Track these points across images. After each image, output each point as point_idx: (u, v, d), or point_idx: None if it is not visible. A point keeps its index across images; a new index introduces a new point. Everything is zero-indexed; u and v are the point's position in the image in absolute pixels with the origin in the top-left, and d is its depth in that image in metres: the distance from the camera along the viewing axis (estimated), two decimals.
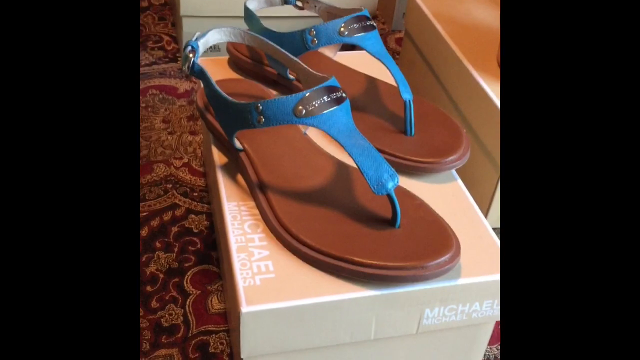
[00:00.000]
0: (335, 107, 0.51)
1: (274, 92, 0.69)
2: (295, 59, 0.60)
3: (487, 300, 0.52)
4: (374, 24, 0.64)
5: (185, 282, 0.67)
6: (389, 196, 0.51)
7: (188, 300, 0.65)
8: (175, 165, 0.82)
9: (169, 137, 0.87)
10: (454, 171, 0.61)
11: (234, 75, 0.72)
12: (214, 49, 1.00)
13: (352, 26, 0.62)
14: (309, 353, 0.52)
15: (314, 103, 0.51)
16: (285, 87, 0.69)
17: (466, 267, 0.51)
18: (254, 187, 0.56)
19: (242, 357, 0.50)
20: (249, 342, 0.49)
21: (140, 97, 0.94)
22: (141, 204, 0.76)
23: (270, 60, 0.67)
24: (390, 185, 0.50)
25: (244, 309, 0.47)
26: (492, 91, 0.75)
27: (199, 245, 0.71)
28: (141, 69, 1.01)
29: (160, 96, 0.95)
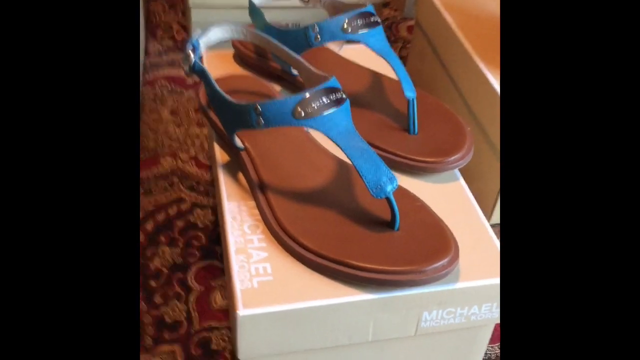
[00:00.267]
0: (334, 109, 0.51)
1: (278, 89, 0.69)
2: (297, 56, 0.60)
3: (487, 303, 0.52)
4: (379, 20, 0.63)
5: (189, 278, 0.67)
6: (388, 199, 0.50)
7: (191, 296, 0.66)
8: (181, 158, 0.82)
9: (176, 130, 0.87)
10: (456, 170, 0.61)
11: (238, 69, 0.72)
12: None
13: (355, 23, 0.62)
14: (306, 354, 0.52)
15: (312, 105, 0.51)
16: (289, 82, 0.69)
17: (465, 270, 0.51)
18: (255, 187, 0.56)
19: (239, 358, 0.50)
20: (246, 344, 0.49)
21: (149, 88, 0.94)
22: (147, 198, 0.76)
23: (274, 56, 0.66)
24: (389, 188, 0.50)
25: (241, 312, 0.47)
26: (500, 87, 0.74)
27: (203, 240, 0.72)
28: (150, 59, 1.01)
29: (169, 87, 0.95)
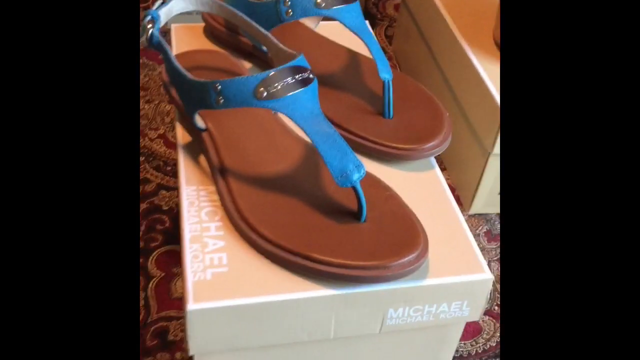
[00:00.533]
0: (299, 90, 0.47)
1: (247, 66, 0.65)
2: (264, 32, 0.56)
3: (456, 301, 0.49)
4: None
5: (149, 263, 0.64)
6: (354, 189, 0.47)
7: (151, 283, 0.62)
8: (150, 136, 0.79)
9: (145, 106, 0.83)
10: (432, 158, 0.57)
11: (208, 44, 0.68)
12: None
13: None
14: (263, 351, 0.49)
15: (276, 85, 0.47)
16: (260, 59, 0.65)
17: (435, 266, 0.48)
18: (215, 170, 0.52)
19: (190, 354, 0.47)
20: (197, 339, 0.46)
21: None
22: None
23: (243, 30, 0.62)
24: (356, 177, 0.47)
25: (190, 306, 0.44)
26: (485, 71, 0.70)
27: (167, 224, 0.68)
28: None
29: (141, 61, 0.91)
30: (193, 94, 0.50)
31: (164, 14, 0.55)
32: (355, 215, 0.48)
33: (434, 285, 0.47)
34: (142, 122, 0.80)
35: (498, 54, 0.72)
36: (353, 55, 0.66)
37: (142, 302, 0.61)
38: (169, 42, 0.68)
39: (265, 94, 0.47)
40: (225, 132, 0.55)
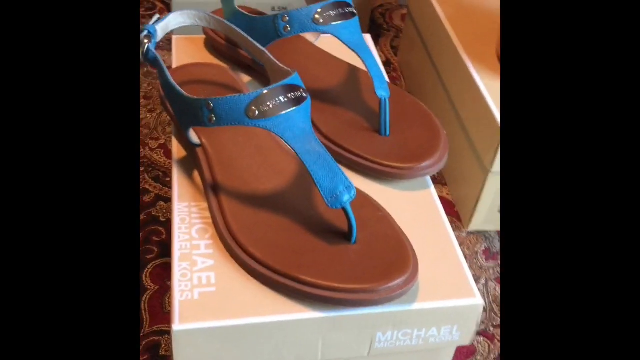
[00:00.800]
0: (292, 109, 0.47)
1: (247, 80, 0.65)
2: (261, 48, 0.56)
3: (446, 326, 0.48)
4: (354, 11, 0.59)
5: (144, 276, 0.64)
6: (345, 210, 0.47)
7: (144, 296, 0.62)
8: (150, 146, 0.79)
9: (148, 115, 0.83)
10: (427, 177, 0.57)
11: (209, 57, 0.68)
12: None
13: (328, 13, 0.57)
14: None
15: (268, 103, 0.47)
16: (259, 73, 0.65)
17: (424, 290, 0.47)
18: (208, 187, 0.52)
19: None
20: (183, 359, 0.45)
21: None
22: None
23: (241, 45, 0.62)
24: (346, 198, 0.46)
25: (176, 326, 0.44)
26: (486, 88, 0.70)
27: (164, 236, 0.68)
28: None
29: (145, 69, 0.91)
30: (186, 111, 0.50)
31: (161, 29, 0.55)
32: (346, 236, 0.48)
33: (423, 310, 0.47)
34: (144, 131, 0.80)
35: None
36: (353, 70, 0.65)
37: None
38: (170, 52, 0.68)
39: (257, 112, 0.46)
40: (219, 148, 0.54)
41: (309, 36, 0.69)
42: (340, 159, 0.56)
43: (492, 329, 0.64)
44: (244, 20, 0.60)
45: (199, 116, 0.48)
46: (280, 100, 0.47)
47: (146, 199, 0.72)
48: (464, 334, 0.49)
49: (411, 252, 0.47)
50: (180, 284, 0.46)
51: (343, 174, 0.47)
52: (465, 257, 0.70)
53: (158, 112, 0.84)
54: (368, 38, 0.72)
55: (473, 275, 0.69)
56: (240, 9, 0.61)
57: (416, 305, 0.46)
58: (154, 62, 0.53)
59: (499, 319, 0.65)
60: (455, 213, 0.75)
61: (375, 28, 1.06)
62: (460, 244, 0.72)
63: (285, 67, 0.52)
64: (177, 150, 0.57)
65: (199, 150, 0.54)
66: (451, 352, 0.53)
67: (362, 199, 0.51)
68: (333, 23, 0.57)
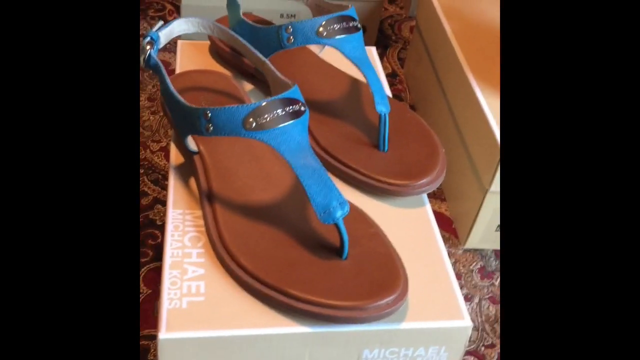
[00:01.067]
0: (289, 122, 0.47)
1: (249, 88, 0.65)
2: (263, 59, 0.56)
3: (434, 346, 0.48)
4: (358, 26, 0.59)
5: None
6: (337, 226, 0.47)
7: None
8: (151, 148, 0.79)
9: (151, 117, 0.83)
10: (424, 195, 0.57)
11: (213, 63, 0.68)
12: None
13: (332, 27, 0.57)
14: None
15: (265, 116, 0.47)
16: (262, 82, 0.65)
17: (413, 309, 0.47)
18: (203, 195, 0.52)
19: None
20: None
21: None
22: None
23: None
24: (339, 214, 0.46)
25: (162, 335, 0.44)
26: (489, 107, 0.69)
27: (159, 240, 0.68)
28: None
29: (151, 71, 0.91)
30: (184, 119, 0.50)
31: (165, 35, 0.55)
32: (338, 251, 0.48)
33: (411, 329, 0.46)
34: (146, 133, 0.81)
35: None
36: (355, 83, 0.65)
37: None
38: (175, 56, 0.68)
39: (254, 124, 0.46)
40: (216, 156, 0.54)
41: (313, 47, 0.69)
42: (337, 173, 0.56)
43: (483, 349, 0.64)
44: (248, 29, 0.60)
45: (196, 125, 0.48)
46: (278, 113, 0.47)
47: (144, 201, 0.72)
48: (451, 355, 0.49)
49: (402, 270, 0.47)
50: (170, 292, 0.46)
51: (337, 189, 0.47)
52: (461, 275, 0.70)
53: (161, 114, 0.84)
54: (373, 51, 0.72)
55: (467, 294, 0.68)
56: (245, 18, 0.61)
57: (404, 325, 0.46)
58: (155, 69, 0.53)
59: (491, 339, 0.65)
60: (453, 230, 0.75)
61: (383, 39, 1.06)
62: (456, 262, 0.72)
63: (286, 79, 0.52)
64: (175, 156, 0.57)
65: (196, 158, 0.55)
66: None
67: (356, 214, 0.51)
68: (336, 37, 0.57)
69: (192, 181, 0.55)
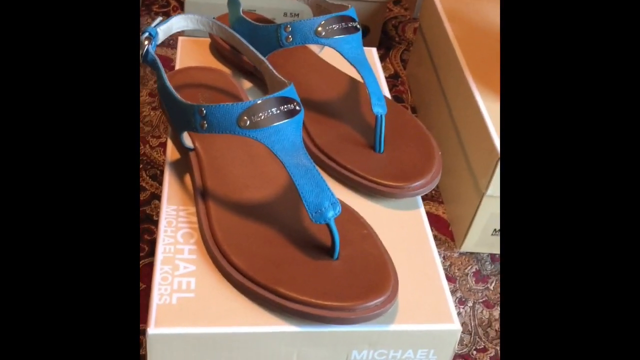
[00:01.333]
0: (283, 121, 0.47)
1: (248, 86, 0.65)
2: (261, 57, 0.56)
3: (422, 349, 0.48)
4: (358, 26, 0.59)
5: None
6: (328, 226, 0.47)
7: None
8: (151, 143, 0.79)
9: (151, 113, 0.83)
10: (418, 197, 0.57)
11: (212, 61, 0.68)
12: None
13: (331, 27, 0.57)
14: None
15: (260, 114, 0.47)
16: (261, 80, 0.65)
17: (403, 311, 0.47)
18: (197, 192, 0.52)
19: None
20: None
21: None
22: None
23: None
24: (331, 214, 0.46)
25: (151, 330, 0.44)
26: (488, 111, 0.69)
27: (155, 235, 0.68)
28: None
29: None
30: (180, 115, 0.50)
31: (163, 31, 0.55)
32: (329, 252, 0.48)
33: (400, 331, 0.46)
34: (146, 128, 0.81)
35: None
36: (354, 84, 0.65)
37: None
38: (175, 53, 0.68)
39: (248, 122, 0.46)
40: (211, 153, 0.55)
41: (313, 46, 0.69)
42: (332, 173, 0.56)
43: (475, 352, 0.64)
44: (248, 27, 0.60)
45: (191, 121, 0.48)
46: (272, 112, 0.47)
47: (142, 196, 0.72)
48: (440, 359, 0.49)
49: (392, 272, 0.47)
50: (160, 288, 0.46)
51: (329, 190, 0.47)
52: (455, 278, 0.70)
53: (162, 110, 0.84)
54: (373, 52, 0.72)
55: (461, 297, 0.68)
56: (244, 16, 0.61)
57: (393, 327, 0.46)
58: (153, 64, 0.53)
59: (483, 343, 0.65)
60: (450, 233, 0.75)
61: (386, 40, 1.06)
62: (451, 265, 0.71)
63: (282, 78, 0.52)
64: (171, 152, 0.57)
65: (191, 155, 0.55)
66: None
67: (349, 215, 0.51)
68: (335, 37, 0.57)
69: (188, 178, 0.55)
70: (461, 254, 0.73)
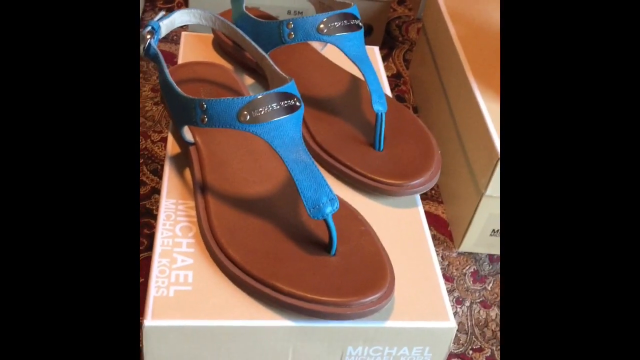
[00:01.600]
0: (283, 117, 0.47)
1: (250, 82, 0.65)
2: (262, 53, 0.56)
3: (418, 346, 0.48)
4: (360, 24, 0.59)
5: None
6: (326, 222, 0.47)
7: None
8: (152, 138, 0.79)
9: (153, 108, 0.84)
10: (417, 195, 0.57)
11: (215, 56, 0.69)
12: None
13: (333, 24, 0.57)
14: None
15: (260, 109, 0.47)
16: (263, 76, 0.65)
17: (399, 308, 0.47)
18: (197, 186, 0.52)
19: None
20: (152, 355, 0.46)
21: None
22: None
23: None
24: (328, 210, 0.46)
25: (148, 322, 0.44)
26: (489, 112, 0.69)
27: (155, 229, 0.69)
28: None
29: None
30: (180, 109, 0.50)
31: (166, 26, 0.55)
32: (326, 247, 0.48)
33: (395, 328, 0.47)
34: (148, 123, 0.81)
35: None
36: (355, 81, 0.65)
37: None
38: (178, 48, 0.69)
39: (248, 117, 0.47)
40: (211, 148, 0.55)
41: (315, 44, 0.70)
42: (331, 170, 0.57)
43: (471, 352, 0.64)
44: (250, 23, 0.60)
45: (192, 116, 0.49)
46: (272, 107, 0.47)
47: (142, 190, 0.72)
48: (435, 356, 0.49)
49: (389, 269, 0.47)
50: (157, 280, 0.47)
51: (328, 185, 0.47)
52: (453, 278, 0.70)
53: (164, 105, 0.84)
54: (375, 51, 0.73)
55: (458, 297, 0.68)
56: (247, 12, 0.62)
57: (389, 323, 0.46)
58: (155, 59, 0.53)
59: (479, 343, 0.65)
60: (449, 232, 0.75)
61: (390, 40, 1.06)
62: (450, 264, 0.72)
63: (283, 74, 0.52)
64: (171, 146, 0.58)
65: (192, 149, 0.55)
66: None
67: (347, 211, 0.51)
68: (337, 34, 0.57)
69: (187, 172, 0.56)
70: (459, 253, 0.73)
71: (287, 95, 0.48)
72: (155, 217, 0.70)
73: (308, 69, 0.66)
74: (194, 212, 0.52)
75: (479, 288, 0.69)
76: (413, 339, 0.47)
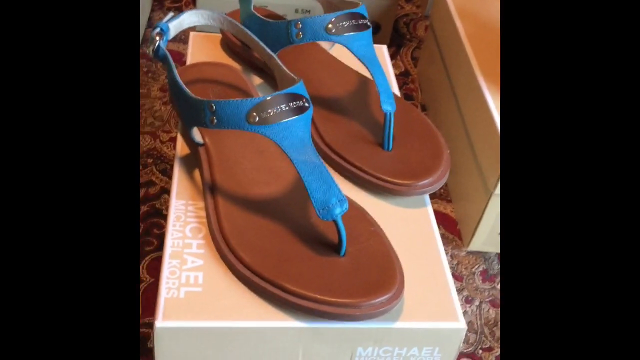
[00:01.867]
0: (292, 118, 0.47)
1: (258, 82, 0.65)
2: (271, 53, 0.56)
3: (427, 347, 0.48)
4: (368, 24, 0.59)
5: (141, 268, 0.65)
6: (335, 223, 0.47)
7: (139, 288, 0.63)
8: (161, 138, 0.79)
9: (162, 108, 0.84)
10: (426, 195, 0.57)
11: (223, 56, 0.69)
12: None
13: (341, 24, 0.57)
14: None
15: (269, 111, 0.47)
16: (271, 76, 0.65)
17: (408, 309, 0.47)
18: (206, 187, 0.53)
19: None
20: (163, 356, 0.46)
21: (144, 61, 0.91)
22: None
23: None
24: (338, 211, 0.46)
25: (159, 323, 0.44)
26: (497, 108, 0.69)
27: (164, 229, 0.69)
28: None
29: None
30: (190, 110, 0.50)
31: (174, 27, 0.55)
32: (336, 248, 0.48)
33: (405, 329, 0.47)
34: (156, 123, 0.81)
35: None
36: (364, 81, 0.65)
37: None
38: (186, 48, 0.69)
39: (257, 118, 0.47)
40: (221, 149, 0.55)
41: (323, 43, 0.70)
42: (340, 170, 0.57)
43: (480, 351, 0.64)
44: (258, 23, 0.60)
45: (201, 117, 0.49)
46: (281, 108, 0.47)
47: (151, 190, 0.73)
48: (445, 356, 0.49)
49: (398, 270, 0.47)
50: (168, 282, 0.47)
51: (337, 186, 0.47)
52: (462, 277, 0.70)
53: None
54: (383, 50, 0.72)
55: (467, 296, 0.68)
56: (255, 12, 0.62)
57: (398, 324, 0.47)
58: (164, 60, 0.53)
59: (489, 342, 0.65)
60: (458, 231, 0.75)
61: (397, 38, 1.06)
62: (459, 264, 0.72)
63: (292, 75, 0.53)
64: (180, 147, 0.58)
65: (201, 150, 0.55)
66: None
67: (356, 212, 0.51)
68: (345, 34, 0.57)
69: (197, 173, 0.56)
70: (468, 252, 0.73)
71: (296, 96, 0.48)
72: (164, 217, 0.70)
73: (316, 69, 0.66)
74: (203, 213, 0.52)
75: (488, 287, 0.69)
76: (423, 340, 0.48)
